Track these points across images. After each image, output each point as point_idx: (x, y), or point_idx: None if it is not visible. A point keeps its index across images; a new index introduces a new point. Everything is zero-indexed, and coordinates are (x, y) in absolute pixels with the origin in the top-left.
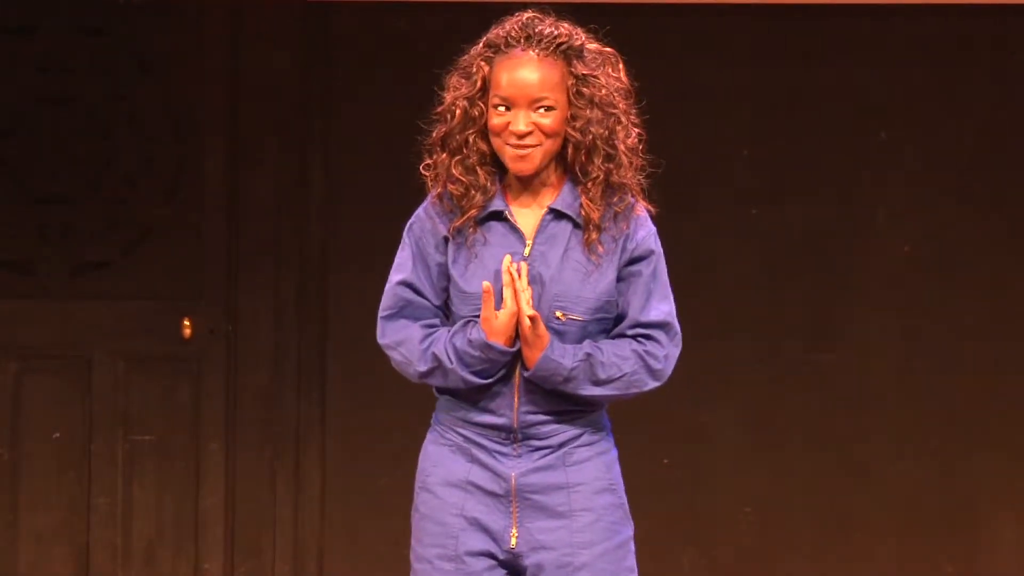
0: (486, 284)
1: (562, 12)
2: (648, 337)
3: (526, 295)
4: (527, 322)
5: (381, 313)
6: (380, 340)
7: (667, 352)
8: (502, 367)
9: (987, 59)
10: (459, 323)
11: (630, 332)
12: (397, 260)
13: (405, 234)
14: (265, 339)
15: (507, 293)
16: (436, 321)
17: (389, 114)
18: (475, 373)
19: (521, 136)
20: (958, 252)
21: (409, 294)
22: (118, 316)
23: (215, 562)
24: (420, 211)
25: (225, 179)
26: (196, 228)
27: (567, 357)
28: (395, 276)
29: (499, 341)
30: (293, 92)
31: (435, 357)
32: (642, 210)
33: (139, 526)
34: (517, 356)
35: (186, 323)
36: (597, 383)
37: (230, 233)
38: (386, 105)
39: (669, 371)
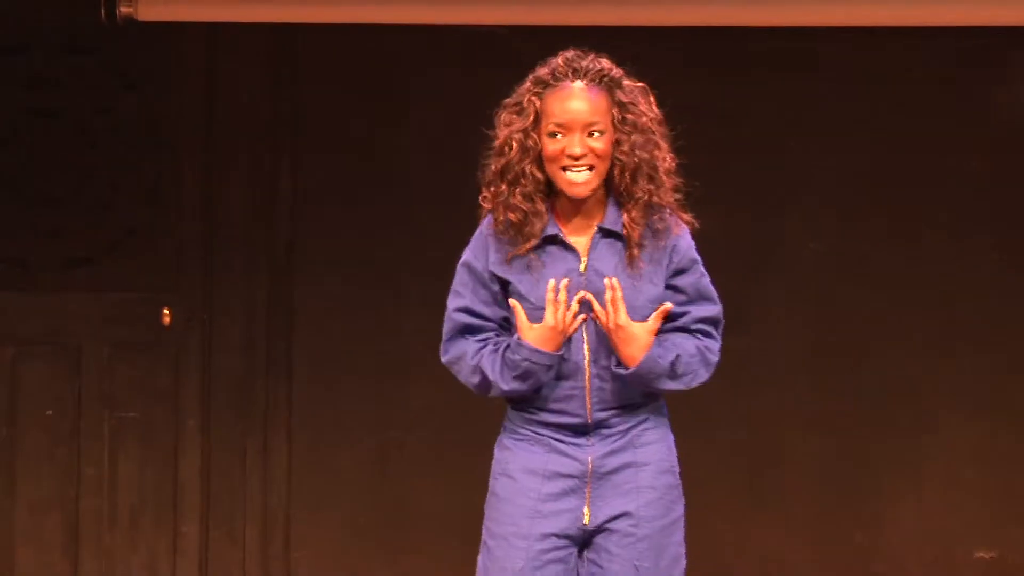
0: (552, 283)
1: (517, 34)
2: (705, 333)
3: (571, 311)
4: (613, 326)
5: (443, 337)
6: (443, 359)
7: (719, 347)
8: (545, 375)
9: (893, 75)
10: (511, 339)
11: (694, 327)
12: (453, 287)
13: (460, 263)
14: (237, 328)
15: (548, 310)
16: (491, 334)
17: (351, 127)
18: (517, 378)
19: (577, 157)
20: (859, 248)
21: (466, 318)
22: (104, 307)
23: (192, 526)
24: (475, 241)
25: (201, 185)
26: (174, 229)
27: (664, 357)
28: (452, 303)
29: (547, 349)
30: (264, 107)
31: (480, 370)
32: (680, 225)
33: (123, 494)
34: (586, 362)
35: (165, 312)
36: (674, 378)
37: (205, 234)
38: (348, 119)
39: (716, 364)
